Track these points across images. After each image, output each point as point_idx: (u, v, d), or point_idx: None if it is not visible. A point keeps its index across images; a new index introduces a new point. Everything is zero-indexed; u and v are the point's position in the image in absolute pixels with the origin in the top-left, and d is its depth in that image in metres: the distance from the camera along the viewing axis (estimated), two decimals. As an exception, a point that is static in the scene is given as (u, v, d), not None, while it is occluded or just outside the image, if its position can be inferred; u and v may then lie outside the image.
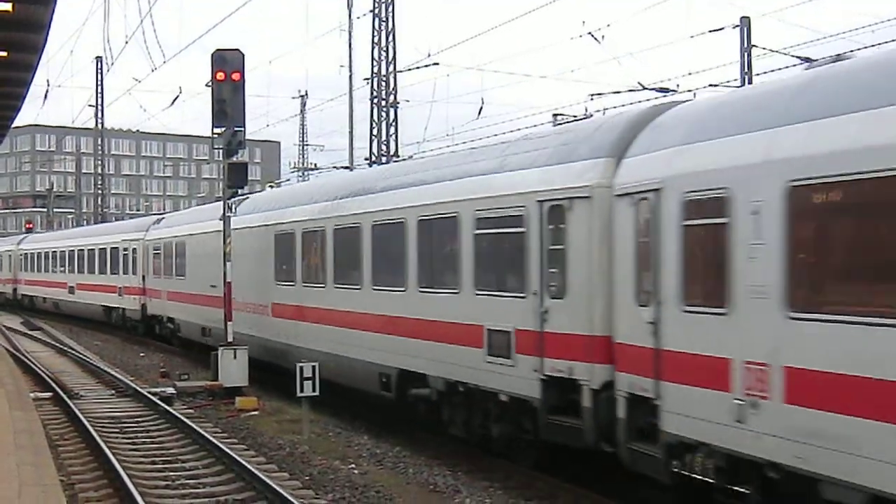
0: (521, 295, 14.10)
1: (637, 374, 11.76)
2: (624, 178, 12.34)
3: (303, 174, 73.01)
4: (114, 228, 47.51)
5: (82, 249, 47.50)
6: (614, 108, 23.33)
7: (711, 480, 10.49)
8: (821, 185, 9.03)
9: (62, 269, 50.73)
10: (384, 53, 40.50)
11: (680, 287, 10.98)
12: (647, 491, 12.35)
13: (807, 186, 9.12)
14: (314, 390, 18.07)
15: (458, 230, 15.69)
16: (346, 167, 44.20)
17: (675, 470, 11.04)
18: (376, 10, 40.55)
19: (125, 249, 40.39)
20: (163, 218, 39.57)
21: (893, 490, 8.19)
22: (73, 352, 33.26)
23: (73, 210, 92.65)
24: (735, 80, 31.55)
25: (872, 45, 11.62)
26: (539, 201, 13.79)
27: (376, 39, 40.55)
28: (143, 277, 37.55)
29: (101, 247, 44.30)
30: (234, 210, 25.81)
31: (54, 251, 53.01)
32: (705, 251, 10.85)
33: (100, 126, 70.10)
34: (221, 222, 25.21)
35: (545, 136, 15.24)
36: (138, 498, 12.81)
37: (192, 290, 30.60)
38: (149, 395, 21.92)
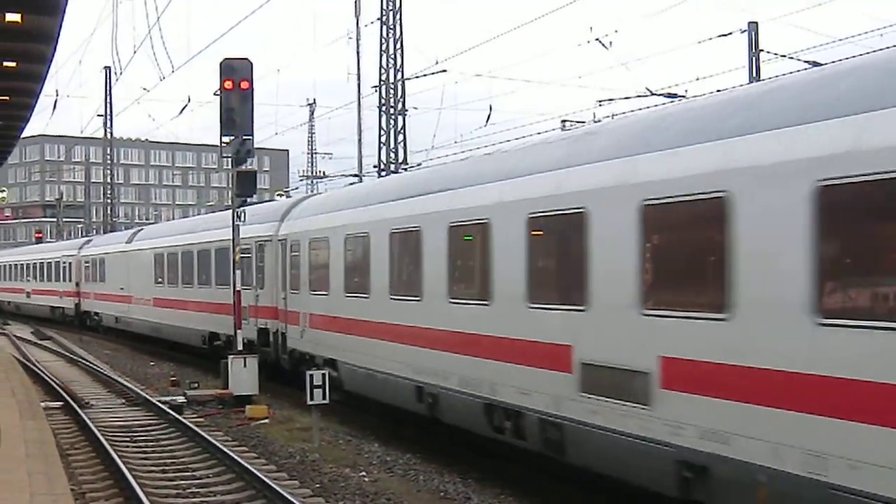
0: (249, 288, 26.52)
1: (282, 322, 24.41)
2: (281, 231, 25.04)
3: (311, 182, 73.14)
4: (56, 247, 60.78)
5: (35, 263, 59.95)
6: (622, 113, 23.35)
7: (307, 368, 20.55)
8: (350, 238, 20.17)
9: (21, 278, 63.38)
10: (392, 61, 40.54)
11: (289, 282, 23.99)
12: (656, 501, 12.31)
13: (314, 240, 22.08)
14: (324, 398, 18.08)
15: (228, 255, 26.86)
16: (356, 175, 44.25)
17: (298, 367, 22.73)
18: (384, 18, 40.59)
19: (64, 263, 53.01)
20: (91, 240, 53.78)
21: (334, 356, 20.50)
22: (84, 361, 33.31)
23: (82, 219, 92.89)
24: (744, 84, 31.51)
25: (881, 49, 11.56)
26: (255, 241, 26.60)
27: (384, 47, 40.59)
28: (77, 284, 50.61)
29: (48, 261, 56.71)
30: (130, 238, 41.72)
31: (16, 264, 65.63)
32: (294, 267, 23.64)
33: (109, 135, 70.27)
34: (128, 245, 41.32)
35: (257, 210, 27.22)
36: (149, 507, 12.82)
37: (109, 291, 44.31)
38: (159, 404, 21.93)
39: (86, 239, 56.45)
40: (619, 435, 11.30)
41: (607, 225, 11.65)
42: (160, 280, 36.16)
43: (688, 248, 10.81)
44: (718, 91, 15.11)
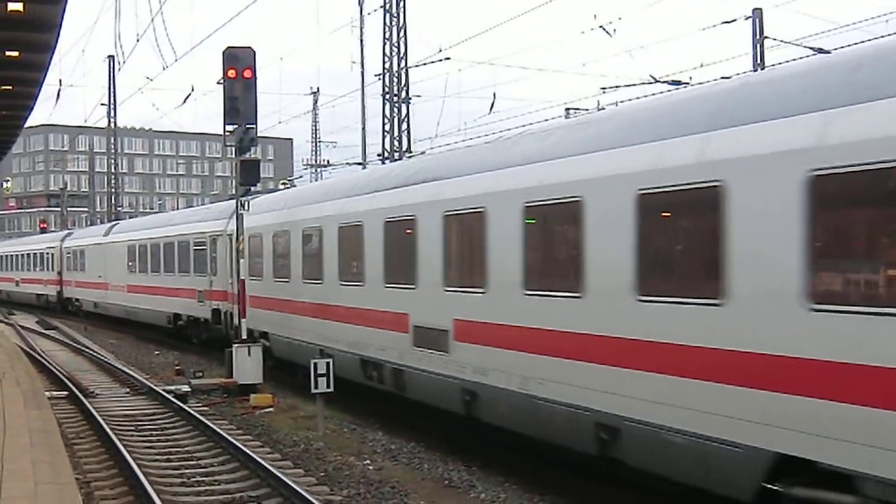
0: (205, 275, 31.94)
1: (231, 303, 28.32)
2: (229, 227, 28.29)
3: (315, 171, 73.07)
4: (40, 239, 66.76)
5: (22, 254, 66.10)
6: (626, 100, 23.28)
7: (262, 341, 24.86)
8: (276, 234, 24.37)
9: (11, 268, 69.07)
10: (395, 49, 40.47)
11: (236, 271, 26.38)
12: (658, 487, 12.31)
13: (252, 235, 25.40)
14: (329, 387, 18.09)
15: (189, 247, 33.94)
16: (360, 164, 44.22)
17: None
18: (387, 6, 40.51)
19: (47, 254, 58.96)
20: (71, 233, 60.02)
21: (267, 330, 24.83)
22: (89, 351, 33.36)
23: (86, 209, 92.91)
24: (748, 71, 31.40)
25: (886, 35, 11.55)
26: (209, 236, 31.68)
27: (387, 35, 40.51)
28: (60, 273, 56.20)
29: (32, 252, 62.90)
30: (107, 232, 47.86)
31: (5, 255, 71.81)
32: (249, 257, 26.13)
33: (112, 125, 70.21)
34: (105, 238, 47.14)
35: (210, 209, 33.69)
36: (154, 496, 12.82)
37: (88, 279, 49.70)
38: (164, 393, 21.97)
39: (66, 232, 62.92)
40: (433, 374, 16.05)
41: (427, 228, 16.32)
42: (133, 269, 41.18)
43: (468, 246, 15.60)
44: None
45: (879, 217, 8.69)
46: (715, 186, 9.91)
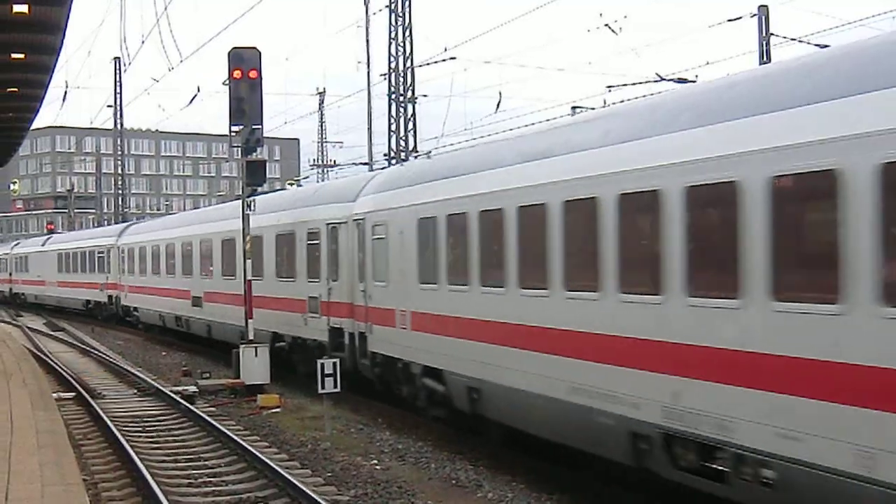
0: (104, 273, 47.94)
1: (119, 291, 45.50)
2: (118, 242, 46.40)
3: (322, 171, 73.04)
4: None
5: None
6: (632, 99, 23.20)
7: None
8: (143, 248, 41.73)
9: None
10: (401, 49, 40.45)
11: (121, 270, 44.94)
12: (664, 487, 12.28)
13: (129, 249, 44.35)
14: (336, 387, 18.08)
15: (94, 254, 49.30)
16: (366, 163, 44.21)
17: (126, 315, 45.06)
18: (393, 6, 40.50)
19: (1, 260, 74.74)
20: (18, 243, 76.37)
21: (137, 306, 42.44)
22: (96, 352, 33.40)
23: (94, 210, 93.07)
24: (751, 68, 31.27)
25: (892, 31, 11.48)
26: (106, 246, 47.75)
27: (393, 35, 40.50)
28: (10, 274, 71.23)
29: None
30: (44, 243, 60.79)
31: None
32: (123, 262, 44.73)
33: (119, 126, 70.28)
34: (42, 247, 62.30)
35: (107, 230, 53.04)
36: (161, 496, 12.82)
37: (31, 278, 64.40)
38: (171, 394, 21.98)
39: (15, 242, 79.83)
40: (198, 319, 32.12)
41: (196, 247, 32.84)
42: (61, 270, 56.02)
43: (209, 256, 31.72)
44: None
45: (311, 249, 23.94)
46: (293, 232, 23.28)
